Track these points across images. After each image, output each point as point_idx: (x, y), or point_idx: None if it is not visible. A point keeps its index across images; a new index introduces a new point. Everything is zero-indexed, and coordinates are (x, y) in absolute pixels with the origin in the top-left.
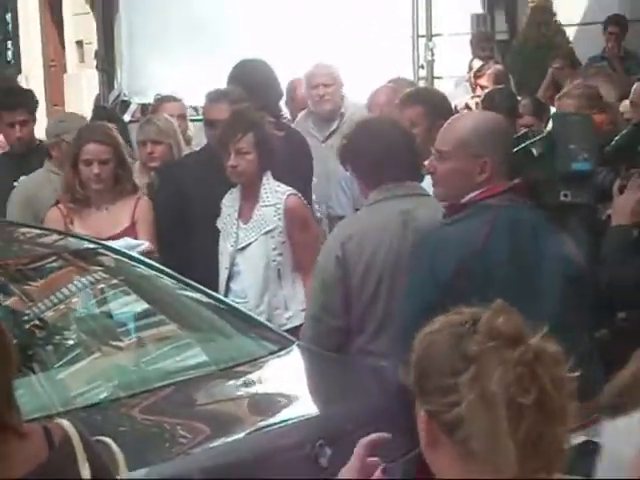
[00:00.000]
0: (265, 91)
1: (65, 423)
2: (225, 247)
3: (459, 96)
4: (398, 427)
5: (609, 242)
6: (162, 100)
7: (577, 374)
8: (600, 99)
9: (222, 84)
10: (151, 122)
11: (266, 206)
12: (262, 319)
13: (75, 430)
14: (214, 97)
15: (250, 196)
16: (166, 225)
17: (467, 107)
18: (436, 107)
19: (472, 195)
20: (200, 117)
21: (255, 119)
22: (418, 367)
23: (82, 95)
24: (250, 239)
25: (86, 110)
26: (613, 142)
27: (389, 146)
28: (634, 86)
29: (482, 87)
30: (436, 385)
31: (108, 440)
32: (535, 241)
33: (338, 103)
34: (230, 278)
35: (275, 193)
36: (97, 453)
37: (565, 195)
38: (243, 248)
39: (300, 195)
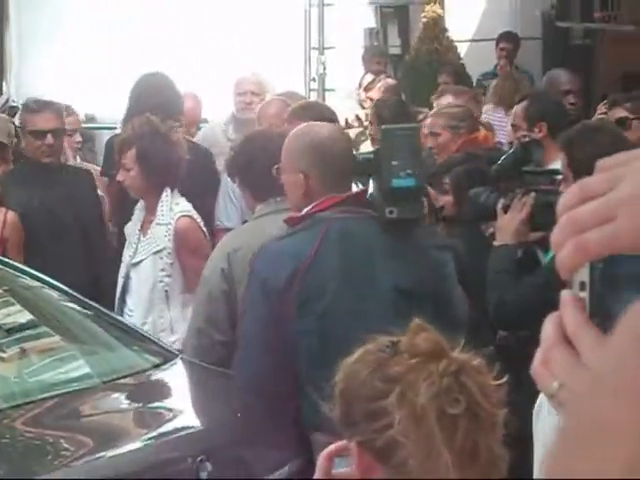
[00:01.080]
0: (168, 106)
1: None
2: (125, 256)
3: (349, 109)
4: (274, 444)
5: (493, 261)
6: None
7: (503, 381)
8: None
9: (118, 87)
10: None
11: (159, 224)
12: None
13: None
14: (36, 107)
15: (150, 209)
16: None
17: (358, 119)
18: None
19: (308, 208)
20: (96, 125)
21: (143, 132)
22: (342, 399)
23: None
24: (142, 256)
25: None
26: (499, 161)
27: (277, 159)
28: (514, 109)
29: (372, 100)
30: (363, 412)
31: None
32: (367, 253)
33: None
34: (125, 290)
35: (170, 212)
36: None
37: (390, 212)
38: (136, 263)
39: (196, 216)
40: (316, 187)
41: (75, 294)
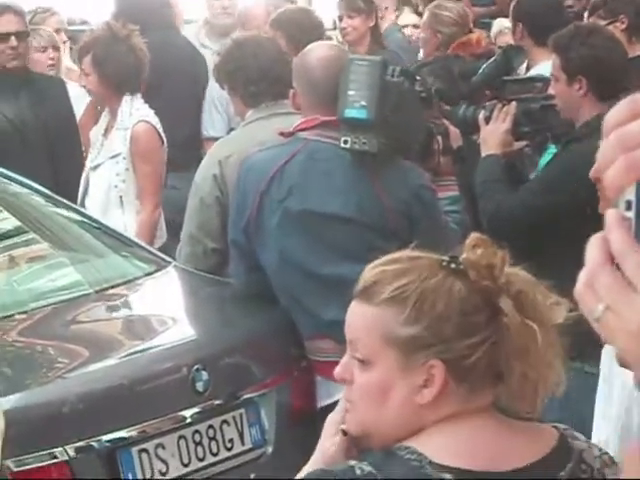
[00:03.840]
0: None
1: None
2: (88, 159)
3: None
4: (271, 351)
5: (482, 172)
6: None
7: None
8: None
9: None
10: (42, 31)
11: (118, 129)
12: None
13: None
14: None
15: (112, 114)
16: None
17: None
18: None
19: (295, 124)
20: (80, 28)
21: (99, 38)
22: (424, 319)
23: None
24: (100, 159)
25: None
26: (480, 70)
27: (269, 64)
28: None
29: None
30: (457, 328)
31: None
32: (325, 178)
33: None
34: (85, 194)
35: (130, 117)
36: None
37: (345, 142)
38: (95, 167)
39: (155, 122)
40: (303, 106)
41: (64, 200)
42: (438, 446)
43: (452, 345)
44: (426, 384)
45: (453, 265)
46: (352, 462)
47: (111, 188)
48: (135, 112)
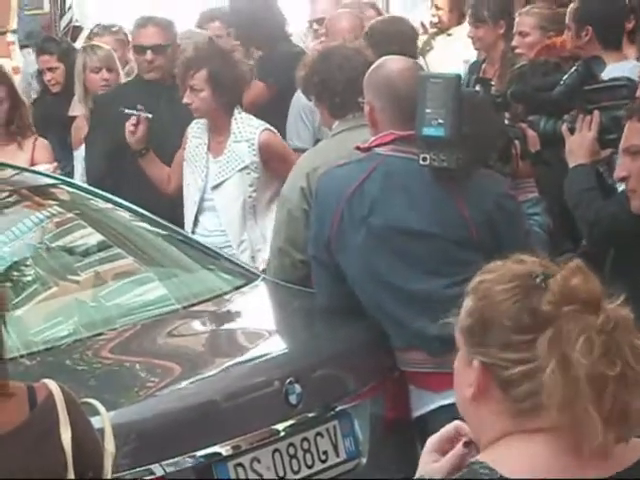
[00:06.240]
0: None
1: (51, 383)
2: (194, 180)
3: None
4: (363, 362)
5: (574, 182)
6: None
7: None
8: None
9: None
10: (101, 48)
11: (238, 141)
12: (226, 253)
13: (60, 390)
14: (141, 22)
15: (219, 130)
16: (97, 159)
17: (422, 26)
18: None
19: (370, 140)
20: None
21: (211, 53)
22: (476, 317)
23: None
24: (225, 175)
25: None
26: (562, 82)
27: (356, 75)
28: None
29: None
30: (500, 340)
31: (94, 402)
32: (406, 194)
33: None
34: (199, 212)
35: (248, 127)
36: (81, 414)
37: (424, 159)
38: (218, 185)
39: (272, 128)
40: (379, 120)
41: (148, 214)
42: (510, 461)
43: (490, 351)
44: (472, 381)
45: (537, 280)
46: (425, 476)
47: (246, 200)
48: (250, 122)
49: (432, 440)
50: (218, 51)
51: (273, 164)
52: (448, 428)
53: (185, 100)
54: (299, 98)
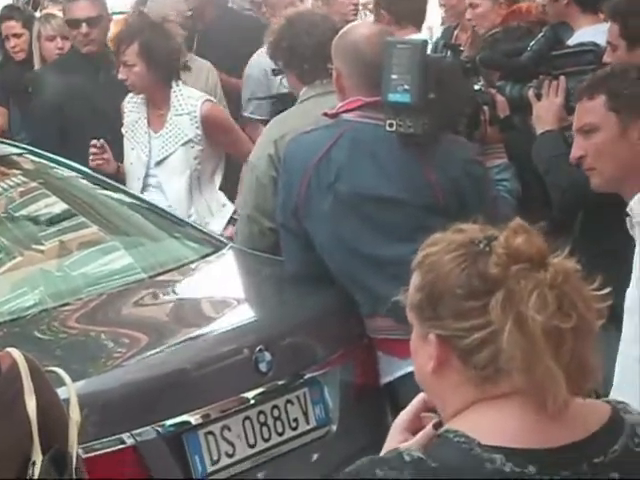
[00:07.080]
0: None
1: (14, 351)
2: (137, 157)
3: None
4: (332, 330)
5: (544, 148)
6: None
7: (606, 292)
8: None
9: None
10: (55, 17)
11: (180, 115)
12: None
13: (24, 358)
14: None
15: (158, 104)
16: (41, 131)
17: None
18: None
19: (338, 106)
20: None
21: (141, 26)
22: (427, 290)
23: None
24: (169, 150)
25: None
26: (529, 48)
27: (324, 40)
28: None
29: None
30: (452, 309)
31: (59, 370)
32: (373, 161)
33: None
34: (144, 189)
35: (189, 99)
36: (46, 382)
37: (390, 125)
38: (162, 160)
39: (213, 99)
40: (347, 86)
41: (114, 183)
42: (483, 427)
43: (445, 323)
44: (430, 355)
45: (481, 246)
46: (401, 449)
47: (191, 175)
48: (190, 94)
49: (402, 417)
50: (149, 24)
51: (216, 136)
52: (415, 403)
53: (120, 76)
54: (259, 63)
